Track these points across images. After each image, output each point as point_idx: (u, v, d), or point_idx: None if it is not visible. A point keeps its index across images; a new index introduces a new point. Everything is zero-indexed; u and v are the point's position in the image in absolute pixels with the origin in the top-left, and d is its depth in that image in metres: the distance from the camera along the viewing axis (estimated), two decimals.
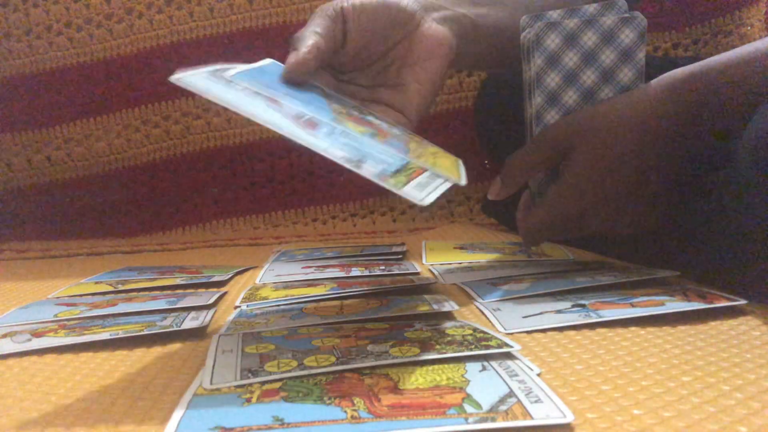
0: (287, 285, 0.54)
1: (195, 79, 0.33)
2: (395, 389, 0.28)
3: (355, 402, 0.27)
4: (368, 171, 0.33)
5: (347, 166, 0.32)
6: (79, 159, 1.07)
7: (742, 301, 0.40)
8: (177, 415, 0.26)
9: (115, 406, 0.30)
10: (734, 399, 0.27)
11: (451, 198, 1.04)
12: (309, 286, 0.52)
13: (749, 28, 0.93)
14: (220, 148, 1.05)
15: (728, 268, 0.44)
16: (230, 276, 0.61)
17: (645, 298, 0.42)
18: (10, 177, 1.08)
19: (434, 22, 0.48)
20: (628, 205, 0.46)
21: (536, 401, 0.26)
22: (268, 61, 0.45)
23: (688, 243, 0.48)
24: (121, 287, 0.58)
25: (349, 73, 0.49)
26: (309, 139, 0.33)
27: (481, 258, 0.63)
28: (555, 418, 0.25)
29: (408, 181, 0.34)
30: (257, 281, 0.57)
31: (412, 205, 1.03)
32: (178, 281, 0.59)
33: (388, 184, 0.33)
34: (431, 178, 0.37)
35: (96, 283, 0.61)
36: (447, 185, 0.38)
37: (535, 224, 0.50)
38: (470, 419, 0.25)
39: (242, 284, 0.58)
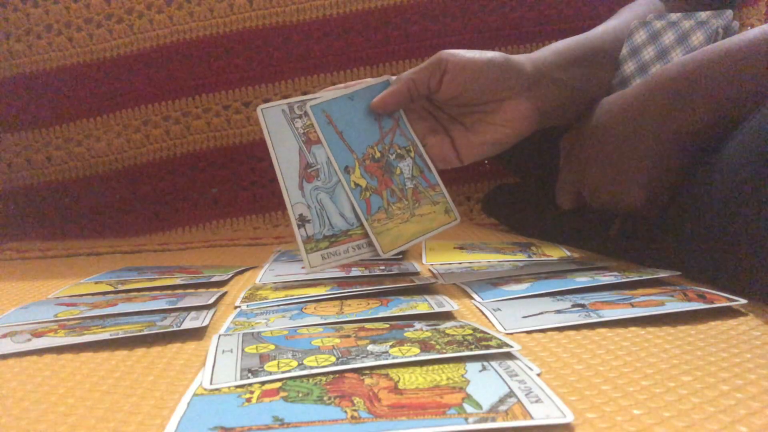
0: (287, 285, 0.54)
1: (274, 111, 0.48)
2: (395, 389, 0.28)
3: (355, 402, 0.27)
4: (301, 234, 0.47)
5: (293, 223, 0.47)
6: (79, 159, 1.07)
7: (742, 301, 0.40)
8: (177, 415, 0.26)
9: (115, 406, 0.30)
10: (734, 399, 0.27)
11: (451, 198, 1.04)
12: (309, 286, 0.52)
13: (749, 28, 0.93)
14: (220, 148, 1.05)
15: (728, 268, 0.44)
16: (230, 276, 0.61)
17: (645, 298, 0.42)
18: (10, 177, 1.08)
19: (526, 100, 0.51)
20: (619, 174, 0.51)
21: (536, 401, 0.26)
22: (384, 78, 0.54)
23: (688, 243, 0.48)
24: (121, 287, 0.58)
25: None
26: (286, 190, 0.49)
27: (481, 258, 0.63)
28: (555, 418, 0.25)
29: (322, 249, 0.47)
30: (257, 281, 0.57)
31: None
32: (178, 281, 0.59)
33: (301, 247, 0.47)
34: (356, 248, 0.49)
35: (96, 283, 0.61)
36: (363, 254, 0.49)
37: (558, 186, 0.59)
38: (470, 419, 0.25)
39: (242, 284, 0.58)
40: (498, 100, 0.51)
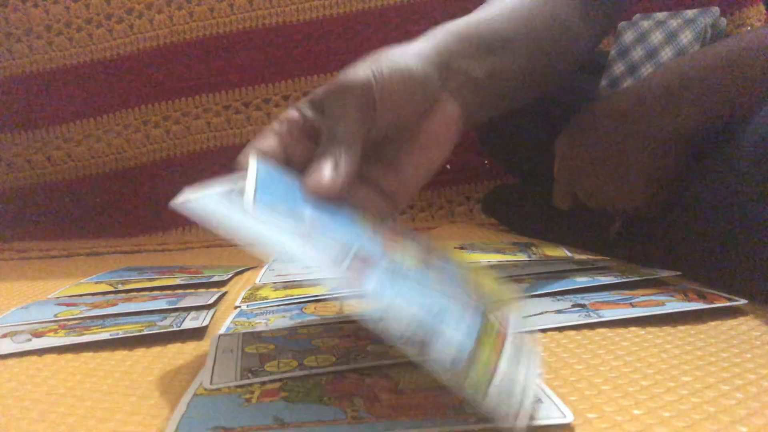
0: (287, 285, 0.54)
1: (205, 202, 0.27)
2: (395, 389, 0.28)
3: (354, 402, 0.27)
4: (438, 355, 0.22)
5: (411, 348, 0.22)
6: (79, 159, 1.07)
7: (742, 301, 0.40)
8: (177, 415, 0.26)
9: (115, 406, 0.30)
10: (734, 399, 0.27)
11: (451, 198, 1.04)
12: (309, 286, 0.52)
13: (749, 28, 0.93)
14: (220, 148, 1.05)
15: (728, 268, 0.44)
16: (230, 276, 0.61)
17: (645, 298, 0.42)
18: (10, 177, 1.08)
19: (449, 102, 0.40)
20: (616, 175, 0.50)
21: (536, 401, 0.26)
22: (255, 165, 0.33)
23: (688, 243, 0.48)
24: (121, 287, 0.58)
25: None
26: (370, 298, 0.23)
27: (481, 258, 0.63)
28: (555, 419, 0.25)
29: (489, 377, 0.23)
30: (257, 281, 0.57)
31: (412, 205, 1.03)
32: (178, 281, 0.59)
33: (467, 389, 0.22)
34: (515, 355, 0.27)
35: (96, 283, 0.61)
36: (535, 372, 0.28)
37: (554, 187, 0.57)
38: (471, 420, 0.25)
39: (242, 284, 0.58)
40: (422, 114, 0.38)
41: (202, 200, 0.27)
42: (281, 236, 0.25)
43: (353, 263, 0.25)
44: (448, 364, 0.22)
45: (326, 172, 0.33)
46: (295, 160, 0.36)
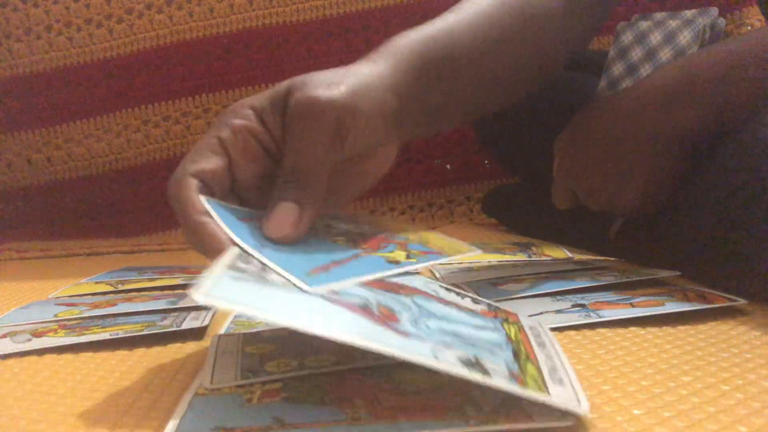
0: None
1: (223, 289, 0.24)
2: (396, 390, 0.28)
3: (355, 403, 0.27)
4: (498, 380, 0.23)
5: (468, 375, 0.23)
6: (79, 159, 1.07)
7: (742, 301, 0.40)
8: (177, 415, 0.26)
9: (115, 406, 0.30)
10: (734, 399, 0.27)
11: (451, 198, 1.04)
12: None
13: (749, 28, 0.93)
14: None
15: (728, 268, 0.44)
16: None
17: (645, 298, 0.42)
18: (10, 177, 1.08)
19: (396, 137, 0.38)
20: (614, 175, 0.50)
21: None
22: (206, 202, 0.31)
23: (688, 243, 0.48)
24: (121, 287, 0.58)
25: None
26: (406, 350, 0.23)
27: (481, 258, 0.63)
28: (555, 421, 0.25)
29: (538, 372, 0.24)
30: None
31: (412, 205, 1.04)
32: (179, 281, 0.59)
33: (527, 392, 0.23)
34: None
35: (96, 283, 0.61)
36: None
37: (553, 188, 0.57)
38: (471, 421, 0.25)
39: None
40: (373, 148, 0.37)
41: (219, 288, 0.24)
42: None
43: (382, 314, 0.25)
44: (506, 380, 0.23)
45: (289, 220, 0.31)
46: (241, 179, 0.33)
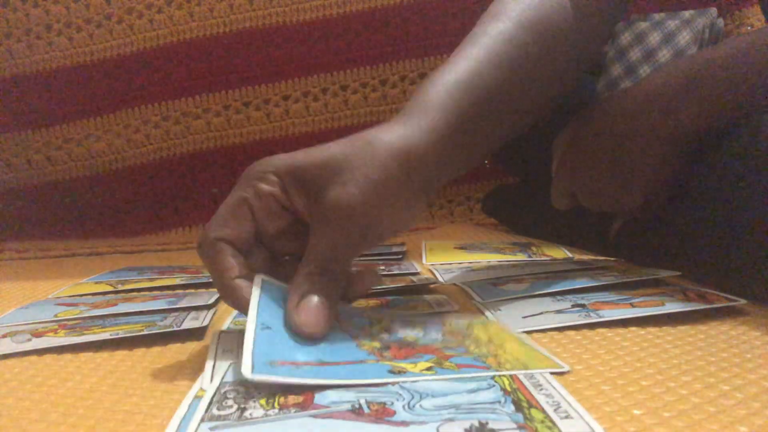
0: None
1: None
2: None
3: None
4: None
5: None
6: (79, 159, 1.07)
7: (742, 301, 0.40)
8: (177, 415, 0.26)
9: (115, 406, 0.29)
10: (734, 399, 0.27)
11: (451, 198, 1.05)
12: None
13: (749, 28, 0.93)
14: (220, 148, 1.05)
15: (728, 268, 0.44)
16: None
17: (645, 298, 0.42)
18: (10, 177, 1.08)
19: (425, 195, 0.37)
20: (608, 172, 0.50)
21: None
22: (259, 280, 0.33)
23: (688, 243, 0.48)
24: (121, 287, 0.58)
25: None
26: None
27: (481, 258, 0.63)
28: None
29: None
30: None
31: None
32: (179, 281, 0.59)
33: None
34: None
35: (96, 283, 0.61)
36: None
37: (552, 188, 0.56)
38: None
39: None
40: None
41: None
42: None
43: (376, 411, 0.25)
44: None
45: (323, 315, 0.31)
46: (264, 233, 0.35)
